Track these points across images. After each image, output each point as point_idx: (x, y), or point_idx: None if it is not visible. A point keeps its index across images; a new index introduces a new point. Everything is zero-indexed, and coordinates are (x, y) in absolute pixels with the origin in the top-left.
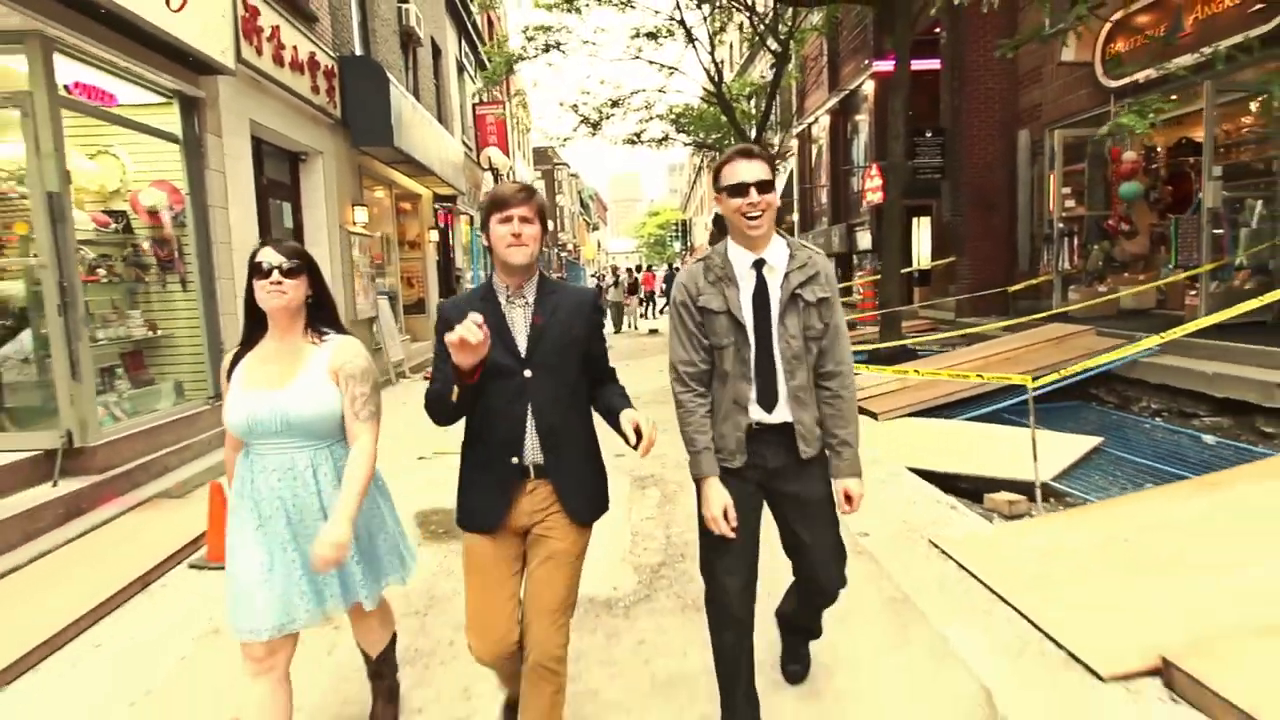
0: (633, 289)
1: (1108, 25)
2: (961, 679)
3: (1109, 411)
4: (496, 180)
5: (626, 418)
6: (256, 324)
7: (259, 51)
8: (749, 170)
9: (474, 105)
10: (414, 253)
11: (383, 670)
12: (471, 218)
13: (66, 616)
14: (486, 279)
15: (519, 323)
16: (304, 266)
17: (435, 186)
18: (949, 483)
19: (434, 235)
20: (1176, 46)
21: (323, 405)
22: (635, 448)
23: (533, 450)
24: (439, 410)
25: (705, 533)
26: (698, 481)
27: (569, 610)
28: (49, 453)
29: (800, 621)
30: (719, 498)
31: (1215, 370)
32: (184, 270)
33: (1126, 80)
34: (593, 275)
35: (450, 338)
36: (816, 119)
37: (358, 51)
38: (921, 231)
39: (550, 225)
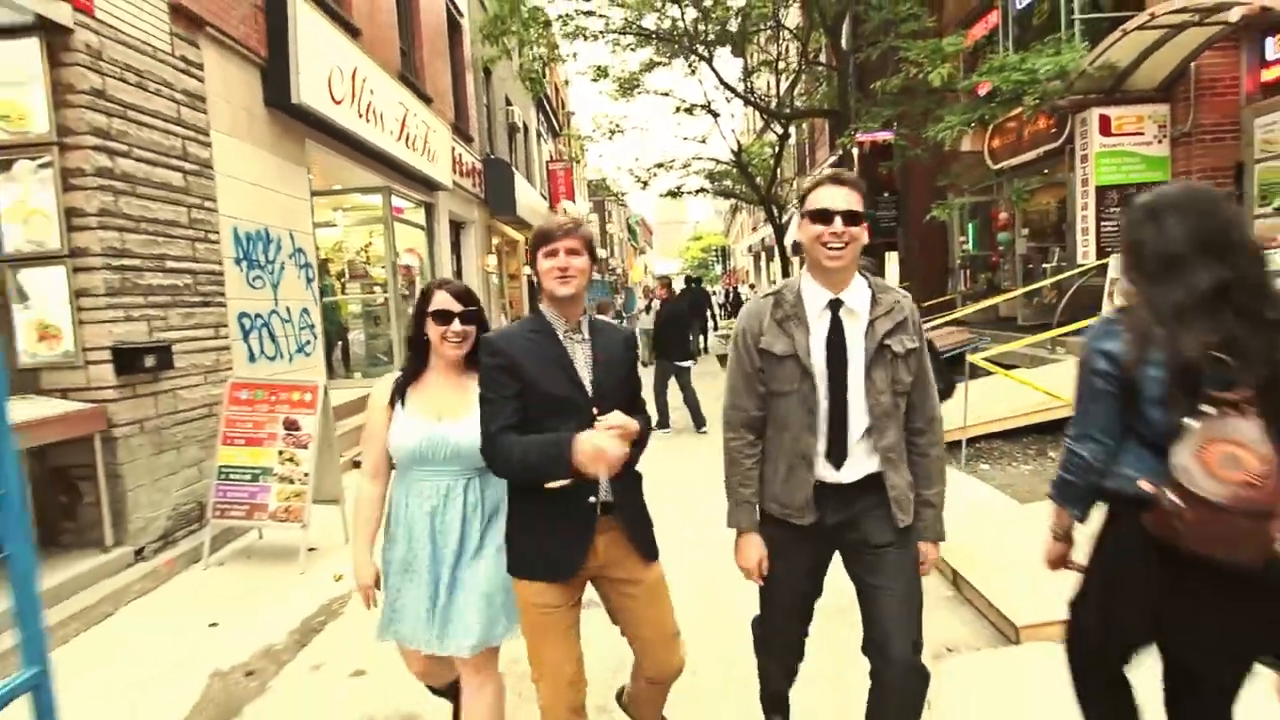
0: None
1: (990, 128)
2: None
3: (960, 378)
4: None
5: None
6: (420, 354)
7: (454, 170)
8: (838, 197)
9: (547, 164)
10: (513, 283)
11: None
12: None
13: None
14: (532, 313)
15: (579, 358)
16: (478, 312)
17: (528, 233)
18: None
19: (527, 270)
20: (1023, 145)
21: None
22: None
23: (605, 488)
24: (529, 474)
25: (762, 591)
26: (738, 533)
27: (679, 632)
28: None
29: None
30: (755, 549)
31: (1007, 349)
32: None
33: (999, 166)
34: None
35: (591, 446)
36: (821, 170)
37: (489, 148)
38: (892, 264)
39: (603, 252)
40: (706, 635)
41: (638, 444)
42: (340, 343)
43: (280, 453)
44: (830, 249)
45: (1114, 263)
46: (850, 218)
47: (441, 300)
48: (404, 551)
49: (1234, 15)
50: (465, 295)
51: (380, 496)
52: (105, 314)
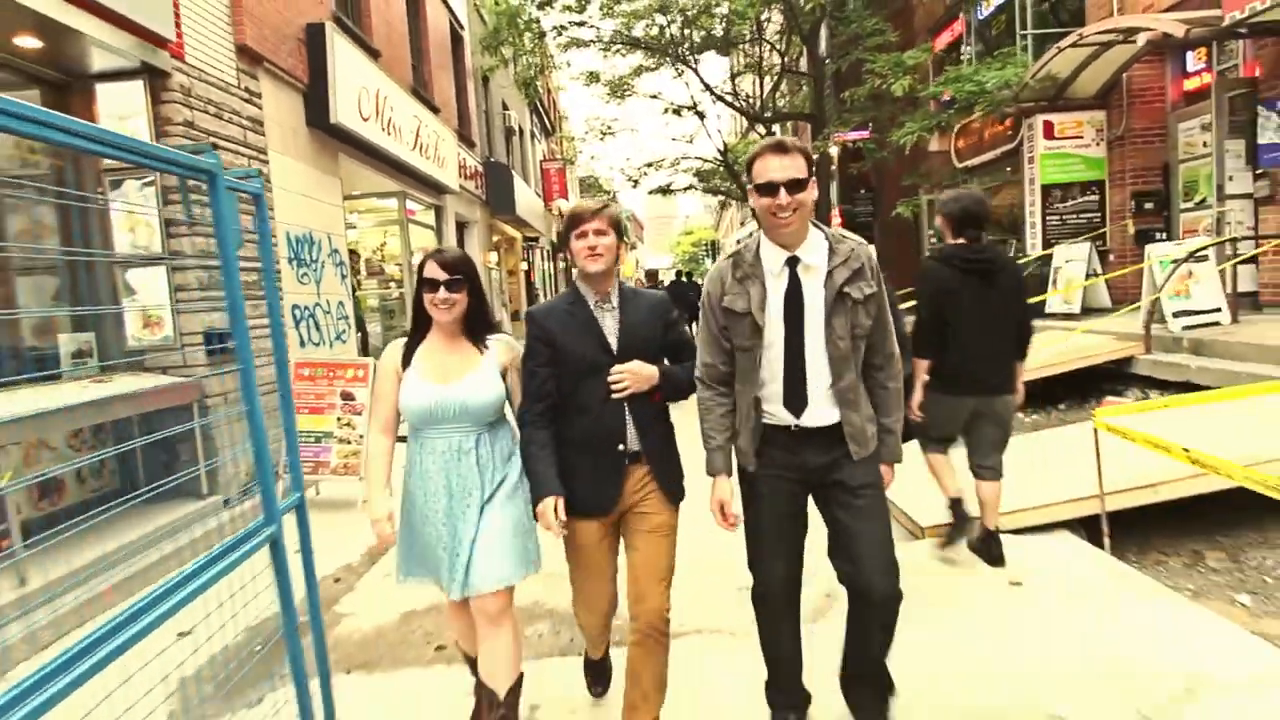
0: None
1: (956, 130)
2: None
3: None
4: None
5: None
6: (422, 321)
7: (460, 174)
8: (779, 167)
9: (541, 163)
10: (511, 278)
11: (507, 717)
12: (544, 251)
13: None
14: (570, 287)
15: (608, 324)
16: (466, 279)
17: (526, 231)
18: None
19: (524, 265)
20: (984, 145)
21: (493, 393)
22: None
23: (632, 437)
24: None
25: (750, 535)
26: (713, 476)
27: (671, 576)
28: None
29: (862, 666)
30: (717, 492)
31: None
32: None
33: (964, 164)
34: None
35: (545, 520)
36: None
37: (488, 151)
38: None
39: None
40: (697, 611)
41: (665, 390)
42: (360, 334)
43: (339, 419)
44: (780, 218)
45: (1057, 252)
46: (794, 186)
47: (430, 269)
48: (421, 505)
49: (1141, 39)
50: (452, 264)
51: (390, 448)
52: (197, 305)
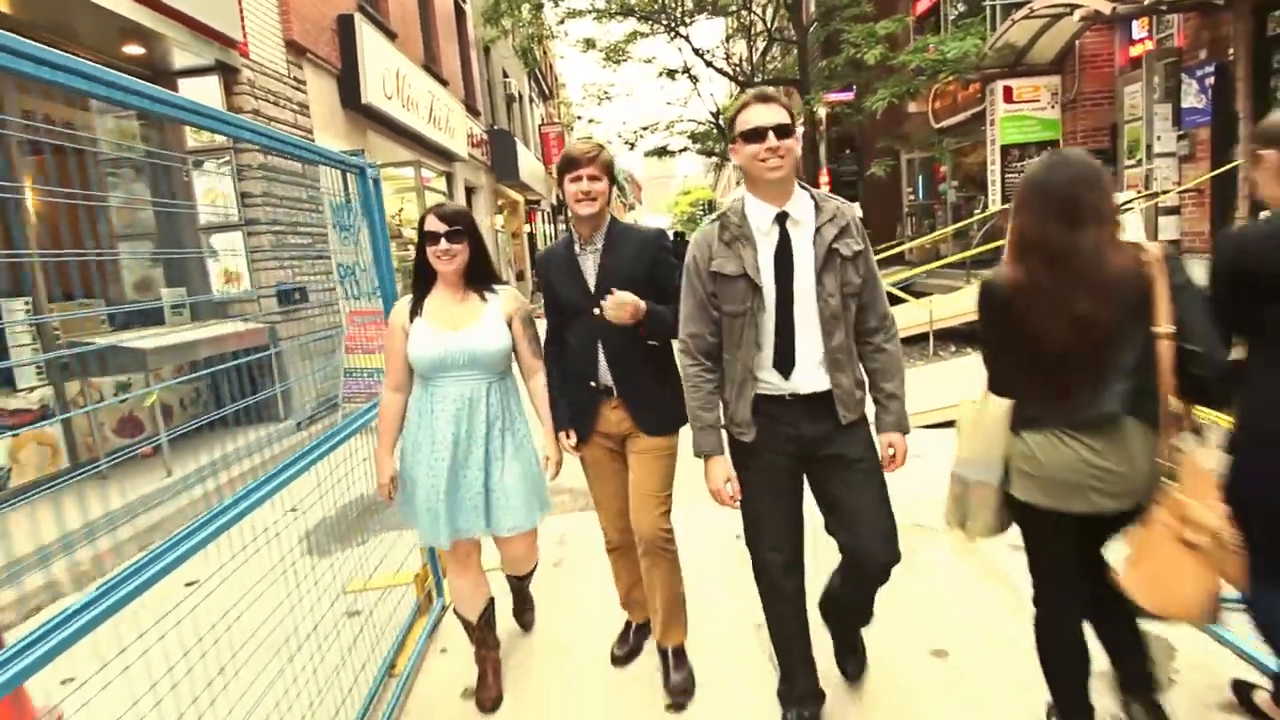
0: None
1: (933, 92)
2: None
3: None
4: None
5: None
6: (425, 275)
7: (468, 142)
8: (766, 114)
9: (540, 127)
10: (515, 240)
11: (522, 587)
12: (544, 214)
13: None
14: (567, 231)
15: (589, 266)
16: (465, 230)
17: (527, 194)
18: None
19: (527, 228)
20: (958, 107)
21: (500, 342)
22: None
23: (605, 375)
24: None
25: (746, 510)
26: (704, 458)
27: (666, 498)
28: None
29: (850, 603)
30: (719, 472)
31: (928, 282)
32: None
33: (940, 125)
34: None
35: (555, 451)
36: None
37: (491, 119)
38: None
39: None
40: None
41: (647, 327)
42: None
43: None
44: (769, 163)
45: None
46: (781, 131)
47: (430, 222)
48: (428, 453)
49: (1077, 15)
50: (451, 217)
51: (402, 407)
52: (268, 263)
